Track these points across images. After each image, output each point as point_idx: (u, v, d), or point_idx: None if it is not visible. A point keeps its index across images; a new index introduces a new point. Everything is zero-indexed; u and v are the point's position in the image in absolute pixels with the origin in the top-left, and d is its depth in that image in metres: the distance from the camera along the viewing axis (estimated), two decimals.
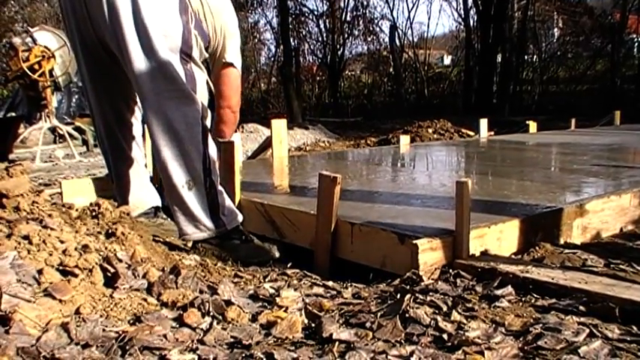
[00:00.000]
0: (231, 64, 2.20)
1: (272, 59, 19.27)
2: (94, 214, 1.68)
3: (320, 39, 18.01)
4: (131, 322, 1.19)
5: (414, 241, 1.61)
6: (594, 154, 3.97)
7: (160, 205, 2.33)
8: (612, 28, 14.58)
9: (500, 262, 1.61)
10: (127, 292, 1.29)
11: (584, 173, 3.00)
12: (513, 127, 7.60)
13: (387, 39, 17.69)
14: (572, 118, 7.18)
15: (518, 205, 2.13)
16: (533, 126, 6.45)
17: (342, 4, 17.52)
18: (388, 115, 14.19)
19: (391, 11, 21.37)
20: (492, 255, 1.73)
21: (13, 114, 8.38)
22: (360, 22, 18.00)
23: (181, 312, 1.24)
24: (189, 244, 1.97)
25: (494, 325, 1.21)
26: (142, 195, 2.29)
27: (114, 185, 2.28)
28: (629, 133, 6.00)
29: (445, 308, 1.31)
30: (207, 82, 2.12)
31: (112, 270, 1.32)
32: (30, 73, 6.32)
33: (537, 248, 1.83)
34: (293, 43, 15.30)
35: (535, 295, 1.41)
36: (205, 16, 2.08)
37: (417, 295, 1.38)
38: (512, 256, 1.80)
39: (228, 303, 1.28)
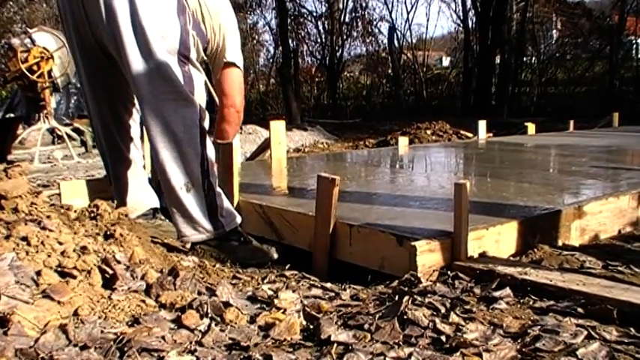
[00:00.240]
0: (232, 64, 2.19)
1: (271, 60, 19.29)
2: (92, 215, 1.68)
3: (319, 40, 18.03)
4: (129, 323, 1.19)
5: (413, 243, 1.61)
6: (593, 156, 3.98)
7: (158, 206, 2.33)
8: (611, 30, 14.61)
9: (499, 263, 1.62)
10: (125, 293, 1.29)
11: (583, 175, 3.00)
12: (512, 128, 7.61)
13: (385, 40, 17.72)
14: (571, 119, 7.19)
15: (516, 207, 2.13)
16: (531, 127, 6.46)
17: (340, 6, 17.53)
18: (387, 116, 14.19)
19: (390, 13, 21.25)
20: (491, 257, 1.73)
21: (12, 115, 8.37)
22: (359, 24, 18.02)
23: (180, 313, 1.24)
24: (188, 246, 1.97)
25: (492, 327, 1.21)
26: (141, 196, 2.29)
27: (112, 187, 2.28)
28: (628, 135, 6.01)
29: (443, 310, 1.31)
30: (206, 84, 2.12)
31: (111, 271, 1.32)
32: (29, 74, 6.32)
33: (535, 250, 1.84)
34: (292, 45, 15.29)
35: (533, 297, 1.41)
36: (203, 16, 2.07)
37: (415, 296, 1.38)
38: (511, 258, 1.80)
39: (227, 304, 1.28)
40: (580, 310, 1.30)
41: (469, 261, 1.66)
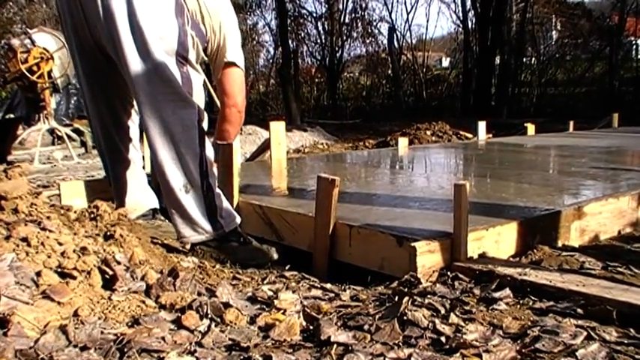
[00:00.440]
0: (233, 64, 2.19)
1: (271, 61, 19.29)
2: (92, 216, 1.68)
3: (319, 41, 18.03)
4: (129, 324, 1.19)
5: (412, 244, 1.61)
6: (592, 157, 3.98)
7: (157, 207, 2.33)
8: (610, 31, 14.62)
9: (498, 264, 1.62)
10: (125, 294, 1.29)
11: (583, 176, 3.01)
12: (511, 129, 7.61)
13: (385, 41, 17.73)
14: (571, 120, 7.20)
15: (516, 208, 2.14)
16: (531, 128, 6.46)
17: (340, 6, 17.54)
18: (386, 117, 14.20)
19: (390, 13, 21.36)
20: (490, 257, 1.73)
21: (12, 115, 8.37)
22: (359, 24, 18.03)
23: (179, 314, 1.24)
24: (188, 247, 1.97)
25: (492, 328, 1.21)
26: (140, 197, 2.29)
27: (112, 187, 2.28)
28: (628, 136, 6.01)
29: (443, 311, 1.31)
30: (205, 85, 2.12)
31: (111, 272, 1.32)
32: (28, 75, 6.32)
33: (535, 251, 1.84)
34: (292, 45, 15.29)
35: (533, 298, 1.41)
36: (203, 16, 2.07)
37: (415, 297, 1.38)
38: (510, 259, 1.80)
39: (227, 305, 1.28)
40: (580, 310, 1.30)
41: (469, 262, 1.66)
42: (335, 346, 1.12)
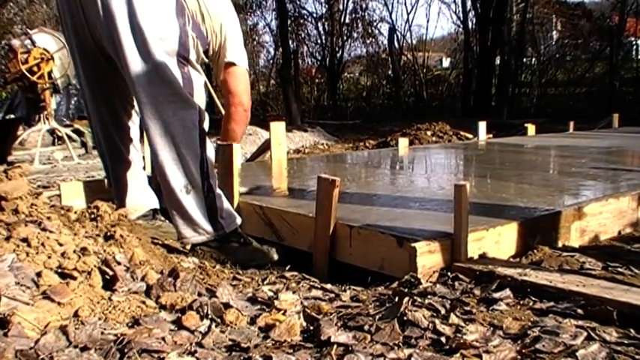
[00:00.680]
0: (234, 63, 2.19)
1: (271, 62, 19.28)
2: (92, 216, 1.68)
3: (319, 41, 18.03)
4: (130, 324, 1.19)
5: (413, 244, 1.61)
6: (593, 157, 3.98)
7: (158, 207, 2.33)
8: (611, 31, 14.62)
9: (499, 265, 1.62)
10: (125, 294, 1.29)
11: (583, 176, 3.01)
12: (512, 129, 7.61)
13: (385, 41, 17.73)
14: (571, 120, 7.19)
15: (516, 208, 2.14)
16: (531, 129, 6.46)
17: (341, 7, 17.54)
18: (387, 117, 14.21)
19: (390, 14, 21.37)
20: (490, 258, 1.73)
21: (12, 116, 8.37)
22: (359, 25, 18.02)
23: (180, 315, 1.24)
24: (188, 247, 1.97)
25: (492, 329, 1.21)
26: (140, 197, 2.29)
27: (112, 188, 2.28)
28: (628, 136, 6.01)
29: (443, 311, 1.31)
30: (206, 85, 2.12)
31: (111, 273, 1.32)
32: (29, 75, 6.32)
33: (535, 251, 1.84)
34: (292, 46, 15.29)
35: (533, 298, 1.41)
36: (203, 17, 2.07)
37: (415, 298, 1.38)
38: (511, 259, 1.80)
39: (227, 306, 1.28)
40: (580, 311, 1.30)
41: (469, 262, 1.66)
42: (335, 346, 1.12)
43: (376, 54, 18.36)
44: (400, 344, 1.14)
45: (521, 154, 4.40)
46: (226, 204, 1.99)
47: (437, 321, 1.23)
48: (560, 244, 1.99)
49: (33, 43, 6.50)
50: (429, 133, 7.43)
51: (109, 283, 1.31)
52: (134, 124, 2.24)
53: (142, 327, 1.16)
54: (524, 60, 16.14)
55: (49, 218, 1.45)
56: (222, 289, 1.39)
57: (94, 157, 6.09)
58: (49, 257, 1.28)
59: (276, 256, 1.97)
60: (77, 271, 1.27)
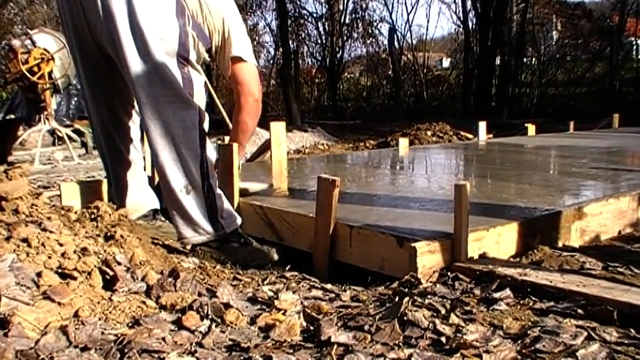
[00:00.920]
0: (242, 58, 2.18)
1: (271, 62, 19.29)
2: (92, 216, 1.68)
3: (319, 41, 18.06)
4: (130, 325, 1.19)
5: (413, 244, 1.61)
6: (593, 157, 3.98)
7: (158, 207, 2.33)
8: (611, 31, 14.62)
9: (499, 265, 1.62)
10: (125, 294, 1.29)
11: (583, 176, 3.00)
12: (512, 129, 7.61)
13: (386, 42, 17.75)
14: (571, 120, 7.19)
15: (516, 208, 2.13)
16: (531, 129, 6.46)
17: (341, 7, 17.55)
18: (387, 117, 14.21)
19: (390, 14, 21.38)
20: (491, 258, 1.73)
21: (12, 116, 8.39)
22: (359, 25, 18.04)
23: (180, 315, 1.24)
24: (188, 247, 1.97)
25: (492, 328, 1.21)
26: (141, 198, 2.29)
27: (112, 188, 2.28)
28: (628, 136, 6.01)
29: (443, 311, 1.31)
30: (206, 85, 2.12)
31: (111, 273, 1.32)
32: (29, 76, 6.33)
33: (536, 251, 1.83)
34: (292, 46, 15.30)
35: (533, 298, 1.41)
36: (204, 16, 2.07)
37: (415, 298, 1.38)
38: (511, 259, 1.80)
39: (227, 306, 1.28)
40: (580, 311, 1.30)
41: (469, 262, 1.66)
42: (335, 346, 1.12)
43: (376, 54, 18.38)
44: (400, 344, 1.14)
45: (521, 154, 4.40)
46: (226, 204, 1.99)
47: (437, 321, 1.23)
48: (560, 244, 1.99)
49: (33, 43, 6.50)
50: (429, 133, 7.43)
51: (110, 284, 1.31)
52: (135, 125, 2.24)
53: (142, 327, 1.16)
54: (525, 60, 16.15)
55: (49, 218, 1.45)
56: (222, 289, 1.39)
57: (95, 158, 6.10)
58: (50, 257, 1.28)
59: (276, 256, 1.97)
60: (77, 272, 1.27)
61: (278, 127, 3.77)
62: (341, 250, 1.88)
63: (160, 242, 1.95)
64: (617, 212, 2.25)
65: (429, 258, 1.63)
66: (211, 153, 1.95)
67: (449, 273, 1.62)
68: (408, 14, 19.95)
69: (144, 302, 1.28)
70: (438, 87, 17.77)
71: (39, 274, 1.21)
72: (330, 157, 5.20)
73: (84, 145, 6.86)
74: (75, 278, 1.25)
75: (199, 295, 1.36)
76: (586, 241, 2.11)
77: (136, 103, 2.05)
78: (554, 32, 17.58)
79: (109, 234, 1.56)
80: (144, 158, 2.41)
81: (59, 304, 1.15)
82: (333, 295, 1.50)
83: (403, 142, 5.02)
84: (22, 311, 1.08)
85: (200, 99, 1.96)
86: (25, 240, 1.30)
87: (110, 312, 1.22)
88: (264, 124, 3.98)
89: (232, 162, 2.25)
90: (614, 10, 15.03)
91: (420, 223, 1.88)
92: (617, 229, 2.24)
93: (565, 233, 2.04)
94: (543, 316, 1.29)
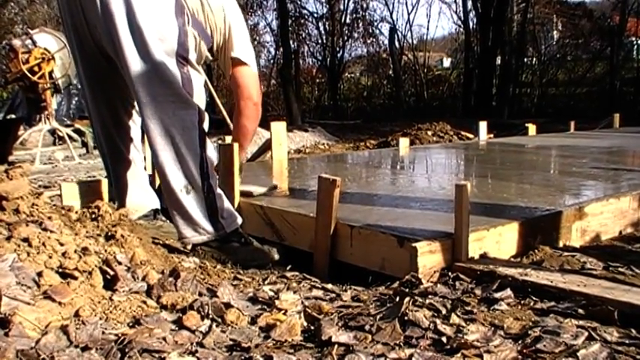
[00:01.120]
0: (242, 62, 2.18)
1: (271, 61, 19.30)
2: (93, 216, 1.69)
3: (319, 41, 18.06)
4: (130, 324, 1.19)
5: (413, 244, 1.61)
6: (593, 157, 3.98)
7: (158, 207, 2.33)
8: (611, 31, 14.62)
9: (500, 264, 1.62)
10: (126, 294, 1.29)
11: (584, 176, 3.00)
12: (512, 129, 7.60)
13: (386, 41, 17.75)
14: (572, 120, 7.18)
15: (517, 208, 2.13)
16: (532, 128, 6.46)
17: (341, 7, 17.56)
18: (387, 117, 14.20)
19: (391, 14, 21.47)
20: (491, 258, 1.73)
21: (13, 116, 8.39)
22: (360, 25, 18.05)
23: (181, 315, 1.24)
24: (189, 247, 1.97)
25: (493, 328, 1.21)
26: (141, 197, 2.29)
27: (113, 188, 2.28)
28: (629, 136, 6.01)
29: (444, 311, 1.31)
30: (206, 85, 2.12)
31: (112, 272, 1.32)
32: (30, 75, 6.33)
33: (536, 251, 1.83)
34: (292, 46, 15.30)
35: (534, 298, 1.41)
36: (206, 14, 2.07)
37: (416, 298, 1.38)
38: (512, 259, 1.80)
39: (228, 306, 1.28)
40: (581, 311, 1.30)
41: (470, 262, 1.66)
42: (336, 346, 1.12)
43: (377, 54, 18.38)
44: (401, 344, 1.14)
45: (521, 154, 4.40)
46: (227, 204, 1.99)
47: (438, 321, 1.23)
48: (561, 244, 1.99)
49: (34, 43, 6.51)
50: (429, 133, 7.42)
51: (110, 283, 1.31)
52: (135, 124, 2.24)
53: (142, 327, 1.16)
54: (525, 60, 16.14)
55: (50, 218, 1.45)
56: (223, 289, 1.39)
57: (95, 157, 6.10)
58: (50, 257, 1.28)
59: (276, 256, 1.97)
60: (78, 271, 1.27)
61: (278, 126, 3.77)
62: (341, 249, 1.88)
63: (161, 242, 1.95)
64: (617, 212, 2.25)
65: (429, 258, 1.63)
66: (211, 153, 1.95)
67: (449, 273, 1.62)
68: (409, 14, 20.07)
69: (144, 302, 1.28)
70: (439, 87, 17.77)
71: (40, 274, 1.21)
72: (330, 156, 5.20)
73: (84, 144, 6.86)
74: (76, 278, 1.25)
75: (200, 294, 1.36)
76: (587, 241, 2.11)
77: (136, 103, 2.05)
78: (555, 32, 17.58)
79: (109, 234, 1.56)
80: (144, 158, 2.41)
81: (60, 303, 1.15)
82: (333, 295, 1.50)
83: (404, 142, 5.02)
84: (23, 311, 1.08)
85: (200, 99, 1.96)
86: (25, 240, 1.30)
87: (111, 312, 1.22)
88: (264, 123, 3.97)
89: (233, 162, 2.25)
90: (614, 10, 15.04)
91: (421, 223, 1.88)
92: (617, 229, 2.24)
93: (566, 233, 2.03)
94: (544, 316, 1.29)
